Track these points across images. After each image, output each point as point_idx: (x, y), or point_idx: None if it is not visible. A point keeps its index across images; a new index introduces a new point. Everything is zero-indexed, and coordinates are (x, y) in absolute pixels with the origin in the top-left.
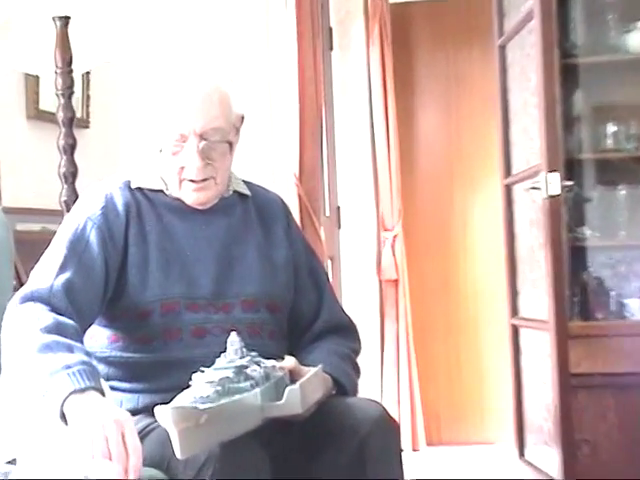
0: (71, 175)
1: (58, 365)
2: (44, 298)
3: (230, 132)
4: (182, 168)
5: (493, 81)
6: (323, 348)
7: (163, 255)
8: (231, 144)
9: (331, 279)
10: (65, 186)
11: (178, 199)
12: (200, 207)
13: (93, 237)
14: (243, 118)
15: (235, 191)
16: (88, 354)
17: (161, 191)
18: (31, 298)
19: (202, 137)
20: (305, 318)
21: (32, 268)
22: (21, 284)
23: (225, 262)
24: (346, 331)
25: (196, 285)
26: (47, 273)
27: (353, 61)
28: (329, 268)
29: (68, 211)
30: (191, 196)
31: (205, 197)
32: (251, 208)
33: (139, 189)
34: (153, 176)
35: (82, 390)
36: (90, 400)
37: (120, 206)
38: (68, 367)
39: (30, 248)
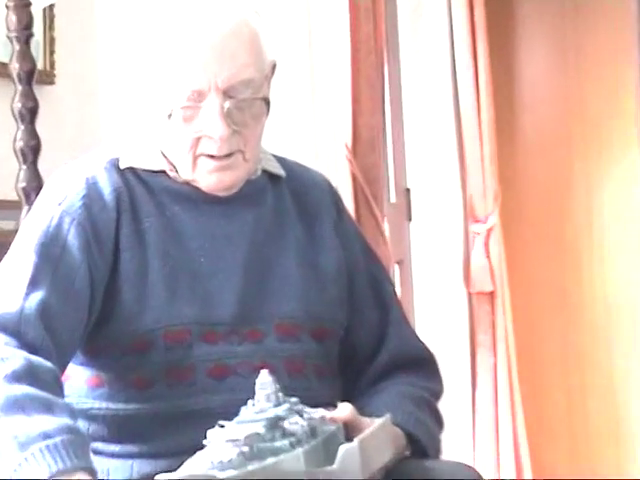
0: (31, 151)
1: (32, 432)
2: (11, 328)
3: (262, 85)
4: (198, 139)
5: (629, 11)
6: (391, 390)
7: (167, 262)
8: (267, 102)
9: (399, 292)
10: (24, 167)
11: (187, 183)
12: (222, 194)
13: (72, 238)
14: (275, 66)
15: (264, 170)
16: (72, 413)
17: (162, 172)
18: None
19: (226, 94)
20: (365, 348)
21: None
22: None
23: (254, 271)
24: (422, 366)
25: (214, 305)
26: (13, 292)
27: None
28: (396, 276)
29: (28, 201)
30: (211, 179)
31: (231, 179)
32: (286, 194)
33: (131, 170)
34: (150, 152)
35: (67, 471)
36: None
37: (107, 194)
38: (47, 437)
39: None
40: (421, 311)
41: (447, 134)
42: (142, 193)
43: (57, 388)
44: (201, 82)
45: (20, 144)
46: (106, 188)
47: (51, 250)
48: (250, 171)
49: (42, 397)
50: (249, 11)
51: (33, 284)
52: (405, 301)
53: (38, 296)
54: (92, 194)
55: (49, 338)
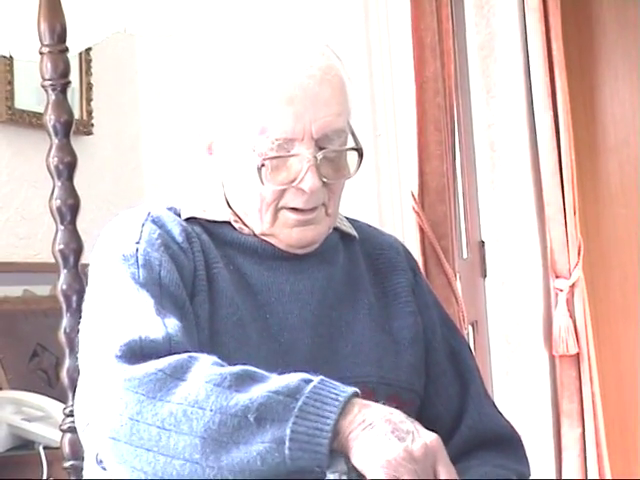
0: (70, 210)
1: (289, 383)
2: (164, 353)
3: (348, 135)
4: (283, 191)
5: None
6: (474, 472)
7: (235, 313)
8: (361, 153)
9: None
10: (61, 227)
11: (254, 235)
12: (300, 251)
13: (166, 276)
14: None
15: (337, 229)
16: None
17: (227, 223)
18: (142, 355)
19: (318, 144)
20: (442, 423)
21: (10, 354)
22: None
23: (323, 332)
24: (506, 445)
25: (281, 365)
26: (145, 319)
27: (498, 17)
28: (470, 339)
29: (66, 265)
30: (292, 234)
31: (313, 235)
32: (359, 255)
33: (193, 219)
34: (214, 202)
35: (350, 396)
36: (372, 413)
37: (178, 236)
38: (306, 381)
39: (8, 323)
40: (498, 377)
41: (524, 181)
42: (208, 241)
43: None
44: (295, 130)
45: (57, 202)
46: (175, 229)
47: (150, 290)
48: (331, 226)
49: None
50: (335, 57)
51: (160, 313)
52: (480, 366)
53: (175, 322)
54: (165, 235)
55: None
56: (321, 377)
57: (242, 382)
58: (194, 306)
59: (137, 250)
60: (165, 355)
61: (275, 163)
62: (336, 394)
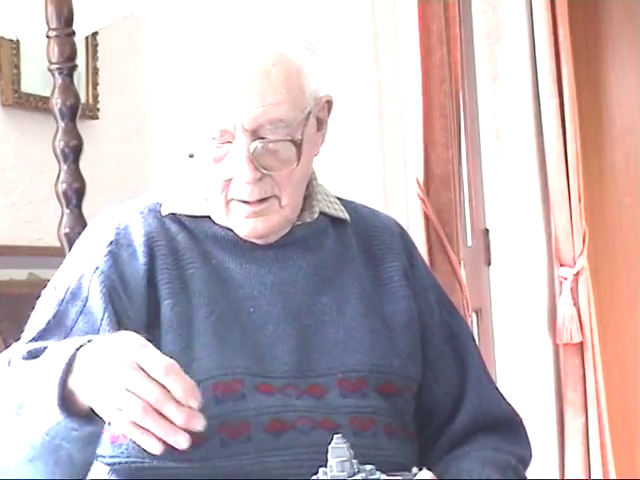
0: (75, 193)
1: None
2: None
3: (300, 126)
4: (228, 182)
5: None
6: (473, 456)
7: (214, 310)
8: (299, 145)
9: (477, 344)
10: (67, 211)
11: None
12: (258, 241)
13: (95, 288)
14: (330, 103)
15: (324, 214)
16: None
17: (207, 218)
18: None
19: (255, 134)
20: (442, 408)
21: (16, 336)
22: None
23: (311, 321)
24: (507, 428)
25: (266, 358)
26: (13, 347)
27: (504, 4)
28: (474, 327)
29: (71, 249)
30: (244, 225)
31: (264, 226)
32: (351, 239)
33: (173, 216)
34: (193, 196)
35: (76, 350)
36: (91, 351)
37: (138, 239)
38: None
39: (13, 306)
40: (502, 365)
41: (529, 169)
42: (185, 240)
43: None
44: (226, 121)
45: (63, 186)
46: (137, 233)
47: (70, 308)
48: (289, 218)
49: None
50: (295, 43)
51: (37, 340)
52: (484, 354)
53: (30, 346)
54: (121, 240)
55: None
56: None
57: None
58: (164, 311)
59: (81, 261)
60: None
61: (217, 155)
62: (61, 355)
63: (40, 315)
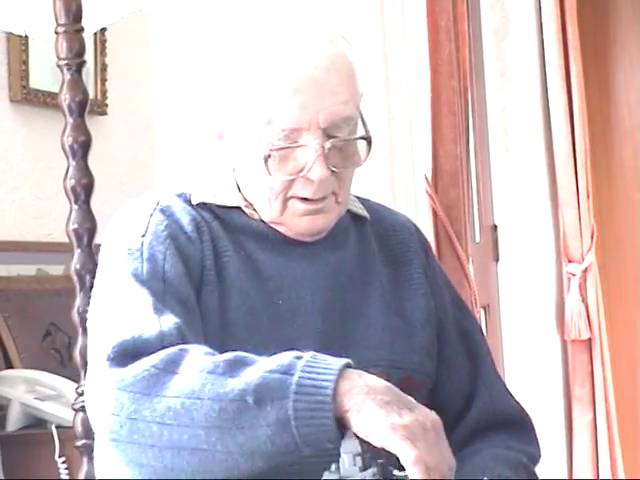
0: (84, 189)
1: (281, 361)
2: (155, 350)
3: (357, 123)
4: (291, 181)
5: None
6: (484, 454)
7: (246, 302)
8: (370, 141)
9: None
10: (75, 206)
11: (263, 222)
12: (309, 239)
13: (171, 269)
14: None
15: (348, 211)
16: None
17: (237, 209)
18: (135, 354)
19: (326, 133)
20: (453, 405)
21: (23, 333)
22: (7, 361)
23: (334, 317)
24: (517, 427)
25: (293, 349)
26: (142, 319)
27: (513, 0)
28: (482, 323)
29: (80, 245)
30: (301, 223)
31: (322, 223)
32: (370, 237)
33: (204, 205)
34: (225, 187)
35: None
36: (368, 381)
37: (187, 225)
38: (297, 357)
39: (22, 302)
40: (510, 361)
41: (538, 165)
42: (218, 228)
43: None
44: (301, 120)
45: (72, 182)
46: (184, 219)
47: (153, 285)
48: (341, 214)
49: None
50: (345, 42)
51: (158, 310)
52: (492, 350)
53: (172, 319)
54: (173, 225)
55: None
56: (312, 352)
57: (235, 367)
58: (203, 297)
59: (142, 244)
60: (157, 346)
61: (283, 153)
62: (329, 364)
63: (133, 296)
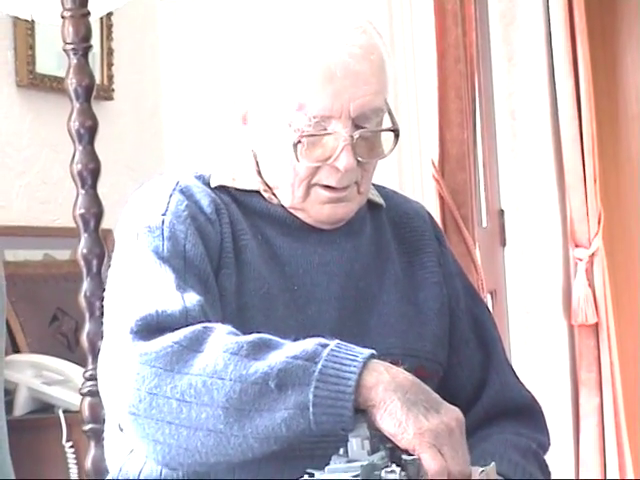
0: (91, 174)
1: (306, 348)
2: (179, 326)
3: (386, 115)
4: (317, 168)
5: None
6: (495, 439)
7: (263, 286)
8: (398, 134)
9: None
10: (82, 191)
11: (282, 207)
12: (329, 227)
13: (192, 249)
14: None
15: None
16: None
17: (256, 193)
18: (158, 329)
19: (355, 122)
20: (464, 392)
21: (30, 318)
22: (14, 346)
23: (349, 304)
24: (527, 415)
25: (308, 337)
26: (164, 293)
27: None
28: (489, 308)
29: (87, 230)
30: (323, 210)
31: (344, 212)
32: (385, 224)
33: (223, 188)
34: (243, 170)
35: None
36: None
37: (206, 207)
38: (323, 345)
39: (29, 287)
40: (517, 346)
41: (544, 150)
42: (236, 212)
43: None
44: (333, 108)
45: (78, 167)
46: (203, 200)
47: (174, 263)
48: (361, 204)
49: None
50: (377, 34)
51: (181, 287)
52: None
53: (195, 297)
54: (192, 206)
55: None
56: (337, 341)
57: (259, 350)
58: (221, 279)
59: (163, 222)
60: (182, 323)
61: (311, 140)
62: (354, 355)
63: (154, 273)
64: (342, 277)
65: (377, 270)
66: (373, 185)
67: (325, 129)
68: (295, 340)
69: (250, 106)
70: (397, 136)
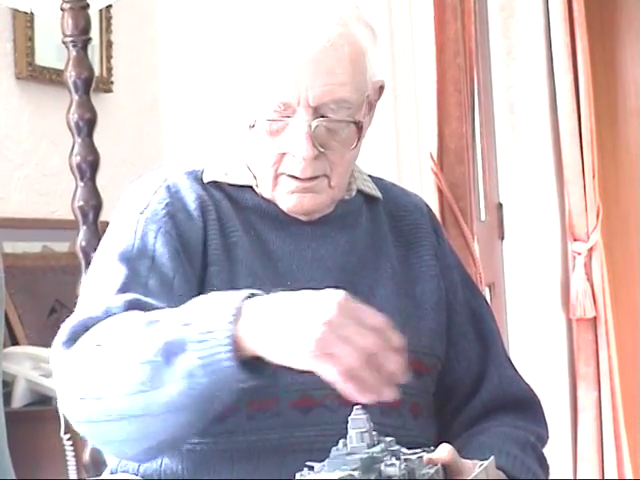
0: (90, 166)
1: (177, 319)
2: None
3: (360, 108)
4: (282, 156)
5: None
6: (493, 432)
7: (255, 282)
8: (360, 127)
9: None
10: (81, 184)
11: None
12: (302, 217)
13: (160, 247)
14: (382, 88)
15: (360, 191)
16: None
17: (249, 187)
18: (83, 332)
19: (317, 112)
20: (462, 386)
21: (29, 310)
22: (13, 338)
23: None
24: (525, 408)
25: None
26: (98, 297)
27: None
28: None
29: (86, 222)
30: (289, 200)
31: (311, 204)
32: (382, 217)
33: (215, 184)
34: (236, 166)
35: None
36: (278, 298)
37: (191, 203)
38: (195, 307)
39: (27, 279)
40: (515, 340)
41: (543, 144)
42: (227, 208)
43: None
44: (291, 95)
45: (77, 159)
46: (189, 196)
47: (139, 263)
48: (335, 198)
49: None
50: (361, 26)
51: (123, 291)
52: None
53: (128, 296)
54: (175, 202)
55: None
56: (212, 293)
57: (149, 327)
58: (209, 277)
59: (138, 221)
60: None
61: (275, 127)
62: (225, 304)
63: (112, 269)
64: (336, 272)
65: (373, 264)
66: (371, 177)
67: (289, 117)
68: None
69: (235, 100)
70: (358, 127)
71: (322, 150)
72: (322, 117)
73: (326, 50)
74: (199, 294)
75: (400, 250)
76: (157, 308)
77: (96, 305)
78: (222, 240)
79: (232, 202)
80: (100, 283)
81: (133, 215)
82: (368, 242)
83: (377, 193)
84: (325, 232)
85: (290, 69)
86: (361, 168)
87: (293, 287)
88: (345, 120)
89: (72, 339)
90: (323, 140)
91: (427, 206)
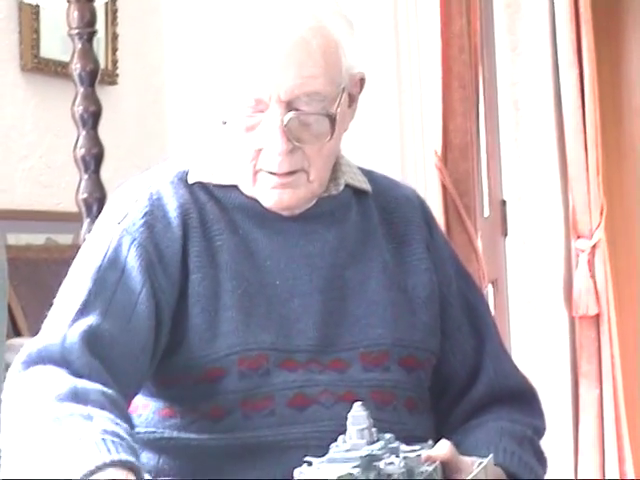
0: (94, 159)
1: (65, 439)
2: (57, 359)
3: (334, 100)
4: (258, 151)
5: None
6: (490, 427)
7: (241, 284)
8: (333, 120)
9: (493, 314)
10: (85, 176)
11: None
12: (283, 213)
13: (132, 259)
14: (363, 80)
15: (349, 185)
16: (120, 424)
17: (234, 187)
18: (38, 360)
19: (290, 106)
20: (458, 380)
21: (32, 302)
22: (16, 330)
23: (335, 295)
24: (522, 400)
25: (290, 332)
26: (58, 321)
27: None
28: (489, 297)
29: (89, 214)
30: (270, 196)
31: (290, 199)
32: (372, 211)
33: (200, 185)
34: (221, 165)
35: (98, 469)
36: None
37: (172, 211)
38: (79, 440)
39: (31, 271)
40: (517, 337)
41: (547, 140)
42: (213, 210)
43: (106, 405)
44: (262, 90)
45: (81, 151)
46: (171, 204)
47: (109, 275)
48: (315, 193)
49: (83, 411)
50: (335, 18)
51: (83, 312)
52: (499, 325)
53: (85, 323)
54: (155, 211)
55: (99, 365)
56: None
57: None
58: (192, 284)
59: (114, 231)
60: (58, 358)
61: (250, 123)
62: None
63: (78, 283)
64: (326, 268)
65: (364, 258)
66: (361, 170)
67: (262, 112)
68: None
69: (217, 100)
70: (331, 120)
71: (297, 144)
72: (295, 110)
73: (296, 44)
74: (179, 301)
75: (391, 243)
76: (113, 336)
77: (55, 332)
78: (205, 245)
79: (217, 203)
80: (65, 300)
81: (110, 225)
82: (358, 237)
83: (367, 186)
84: (313, 229)
85: (260, 65)
86: (350, 161)
87: (282, 285)
88: (318, 113)
89: (28, 363)
90: (297, 134)
91: (419, 198)
